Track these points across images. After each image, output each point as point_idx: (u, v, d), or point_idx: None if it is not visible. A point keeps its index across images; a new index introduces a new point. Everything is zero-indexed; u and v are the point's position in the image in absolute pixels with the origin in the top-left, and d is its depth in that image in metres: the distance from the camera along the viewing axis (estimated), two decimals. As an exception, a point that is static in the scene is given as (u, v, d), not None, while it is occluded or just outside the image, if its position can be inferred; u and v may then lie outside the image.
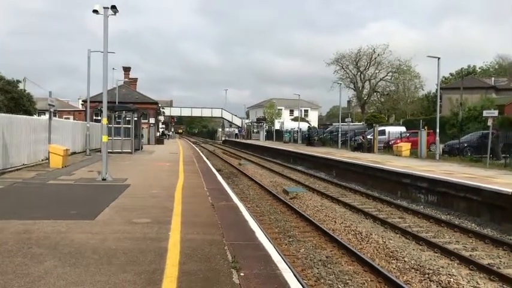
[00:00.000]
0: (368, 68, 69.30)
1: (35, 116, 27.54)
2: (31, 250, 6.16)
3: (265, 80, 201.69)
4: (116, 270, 5.36)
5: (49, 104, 19.17)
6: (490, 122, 20.98)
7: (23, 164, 17.81)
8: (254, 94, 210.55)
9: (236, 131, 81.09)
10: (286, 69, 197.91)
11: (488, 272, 8.39)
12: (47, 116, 20.22)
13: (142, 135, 36.63)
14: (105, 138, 14.80)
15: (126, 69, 56.59)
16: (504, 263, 9.22)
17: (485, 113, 22.04)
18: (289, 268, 5.86)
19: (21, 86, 41.09)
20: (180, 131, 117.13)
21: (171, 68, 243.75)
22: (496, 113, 22.13)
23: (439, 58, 26.70)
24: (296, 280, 5.33)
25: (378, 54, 67.33)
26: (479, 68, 79.52)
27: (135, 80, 59.03)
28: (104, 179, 14.01)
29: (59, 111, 56.40)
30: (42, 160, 19.78)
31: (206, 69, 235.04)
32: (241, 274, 5.36)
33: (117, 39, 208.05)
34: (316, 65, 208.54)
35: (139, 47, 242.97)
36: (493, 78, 64.26)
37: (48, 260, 5.71)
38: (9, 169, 16.12)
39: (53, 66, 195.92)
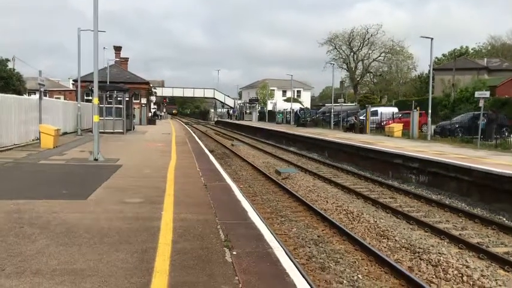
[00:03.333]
0: (361, 49, 69.06)
1: (25, 96, 27.24)
2: (23, 230, 6.14)
3: (256, 61, 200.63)
4: (108, 250, 5.37)
5: (39, 84, 18.95)
6: (481, 103, 21.07)
7: (14, 144, 17.67)
8: (245, 74, 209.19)
9: (231, 111, 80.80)
10: (277, 49, 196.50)
11: (477, 250, 8.53)
12: (37, 95, 19.99)
13: (134, 115, 36.37)
14: (96, 118, 14.63)
15: (117, 49, 55.78)
16: (493, 241, 9.38)
17: (477, 94, 22.14)
18: (281, 247, 5.90)
19: (10, 65, 40.56)
20: (175, 111, 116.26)
21: (161, 48, 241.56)
22: (487, 94, 22.22)
23: (432, 39, 26.67)
24: (288, 258, 5.37)
25: (371, 35, 67.04)
26: (472, 49, 79.44)
27: (126, 59, 58.17)
28: (95, 159, 13.93)
29: (49, 90, 55.70)
30: (33, 140, 19.63)
31: (197, 49, 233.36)
32: (234, 253, 5.39)
33: (105, 18, 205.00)
34: (308, 46, 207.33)
35: (128, 27, 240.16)
36: (485, 59, 64.29)
37: (40, 240, 5.70)
38: (0, 149, 15.99)
39: (41, 45, 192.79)
